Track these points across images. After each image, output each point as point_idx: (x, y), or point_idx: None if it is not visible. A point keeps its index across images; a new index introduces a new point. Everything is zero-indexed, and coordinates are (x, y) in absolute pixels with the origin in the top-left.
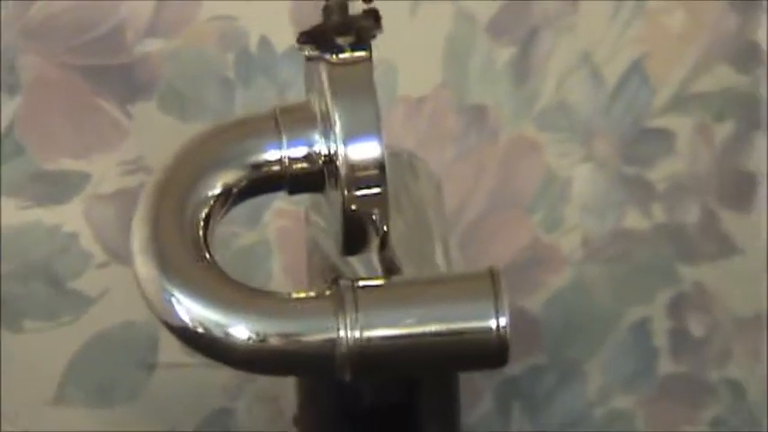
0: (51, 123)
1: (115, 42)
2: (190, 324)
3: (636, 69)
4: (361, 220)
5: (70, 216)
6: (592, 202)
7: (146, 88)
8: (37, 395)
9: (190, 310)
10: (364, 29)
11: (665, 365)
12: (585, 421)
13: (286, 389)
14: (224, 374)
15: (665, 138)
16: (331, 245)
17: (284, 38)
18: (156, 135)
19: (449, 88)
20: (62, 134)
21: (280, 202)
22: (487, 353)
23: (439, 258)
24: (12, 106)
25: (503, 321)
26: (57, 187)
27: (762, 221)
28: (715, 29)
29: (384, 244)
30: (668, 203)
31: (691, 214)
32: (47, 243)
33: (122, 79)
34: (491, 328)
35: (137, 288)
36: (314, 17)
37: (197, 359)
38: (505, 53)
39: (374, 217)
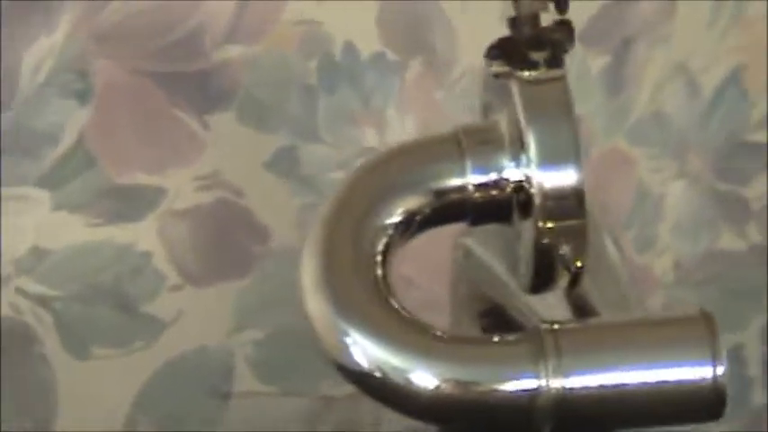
0: (124, 134)
1: (192, 48)
2: (367, 367)
3: (733, 81)
4: (552, 255)
5: (143, 234)
6: (685, 221)
7: (224, 97)
8: (104, 427)
9: (367, 351)
10: (559, 43)
11: (759, 395)
12: None
13: (363, 416)
14: (302, 404)
15: (761, 153)
16: (501, 281)
17: (369, 43)
18: (235, 147)
19: None
20: (135, 146)
21: None
22: (703, 405)
23: (631, 307)
24: (83, 115)
25: (720, 370)
26: (129, 203)
27: None
28: None
29: (576, 282)
30: (764, 223)
31: None
32: (117, 263)
33: (199, 87)
34: (708, 378)
35: (210, 311)
36: (402, 21)
37: (273, 388)
38: (599, 63)
39: (566, 251)
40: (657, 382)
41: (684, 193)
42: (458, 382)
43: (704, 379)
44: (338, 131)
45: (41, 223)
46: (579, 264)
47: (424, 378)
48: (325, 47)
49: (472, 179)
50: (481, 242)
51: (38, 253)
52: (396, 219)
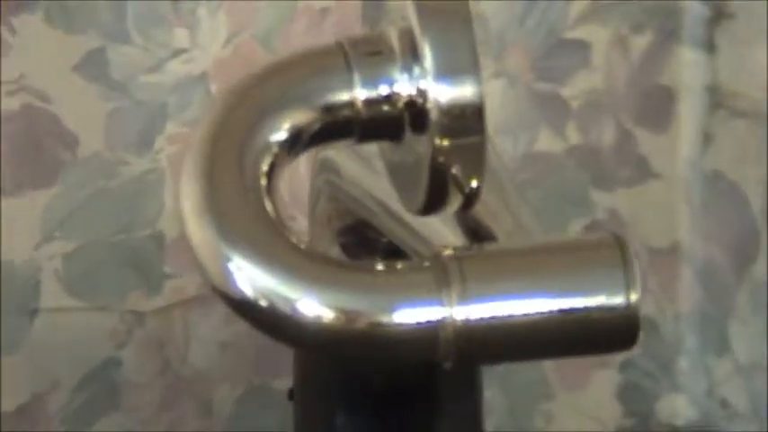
0: None
1: None
2: (252, 295)
3: None
4: (446, 175)
5: None
6: (504, 123)
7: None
8: None
9: (252, 278)
10: None
11: None
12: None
13: (174, 335)
14: (111, 320)
15: (581, 50)
16: (375, 199)
17: None
18: (42, 51)
19: None
20: None
21: (172, 125)
22: (617, 334)
23: (527, 223)
24: None
25: (633, 297)
26: None
27: (679, 143)
28: None
29: (471, 203)
30: (583, 123)
31: (606, 135)
32: None
33: None
34: (621, 305)
35: (17, 224)
36: None
37: (81, 302)
38: None
39: (459, 170)
40: (568, 310)
41: (503, 94)
42: (352, 312)
43: (617, 306)
44: (148, 33)
45: None
46: (475, 183)
47: (311, 306)
48: None
49: (360, 93)
50: (351, 157)
51: None
52: (281, 135)
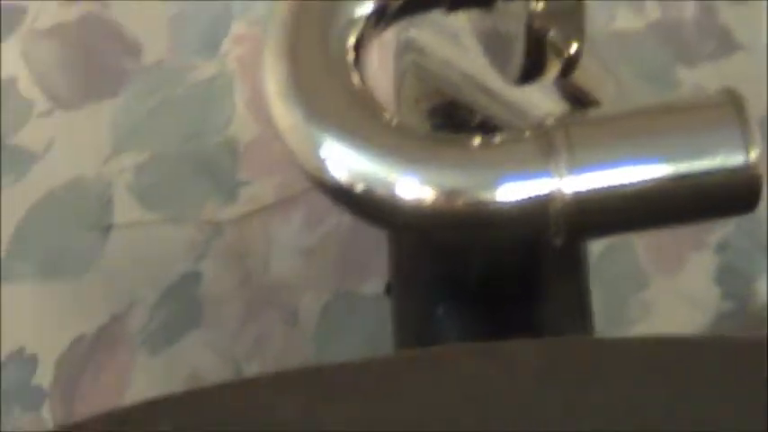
0: None
1: None
2: (348, 181)
3: None
4: (543, 39)
5: (5, 59)
6: None
7: None
8: None
9: (348, 163)
10: None
11: None
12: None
13: (254, 244)
14: (187, 232)
15: None
16: (467, 75)
17: None
18: None
19: None
20: None
21: (238, 26)
22: (738, 195)
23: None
24: None
25: (753, 155)
26: None
27: (762, 12)
28: None
29: (571, 68)
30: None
31: (687, 9)
32: None
33: None
34: (740, 164)
35: (84, 137)
36: None
37: (156, 215)
38: None
39: (558, 35)
40: (685, 173)
41: None
42: (454, 190)
43: (737, 166)
44: None
45: None
46: (574, 48)
47: (414, 188)
48: None
49: None
50: (436, 35)
51: None
52: (367, 8)
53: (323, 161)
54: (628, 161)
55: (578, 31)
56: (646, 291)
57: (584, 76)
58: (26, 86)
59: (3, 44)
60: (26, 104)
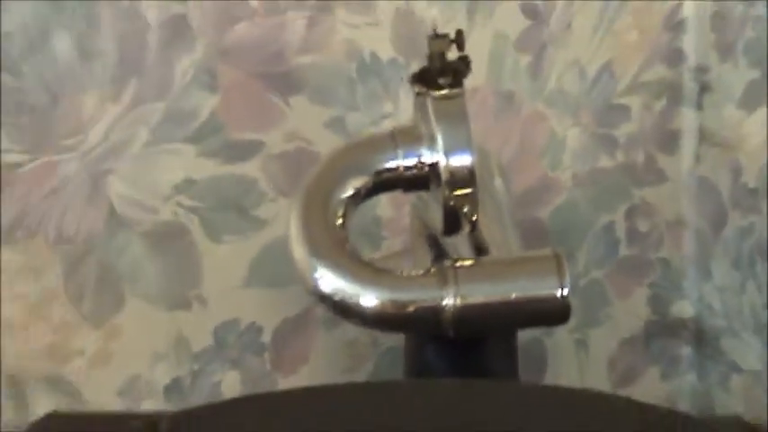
0: (237, 110)
1: (279, 56)
2: (331, 293)
3: (606, 68)
4: (456, 211)
5: (251, 169)
6: (578, 151)
7: (299, 86)
8: (230, 282)
9: (332, 283)
10: (459, 71)
11: (624, 250)
12: (576, 287)
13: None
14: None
15: (624, 110)
16: (432, 226)
17: (387, 53)
18: (307, 116)
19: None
20: (245, 117)
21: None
22: (554, 314)
23: (511, 239)
24: (214, 99)
25: (565, 291)
26: (242, 150)
27: (683, 161)
28: (655, 41)
29: (474, 228)
30: (626, 151)
31: (639, 157)
32: (236, 186)
33: (284, 81)
34: (557, 297)
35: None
36: (407, 41)
37: None
38: (525, 59)
39: (466, 209)
40: (525, 300)
41: (578, 136)
42: (391, 302)
43: (555, 297)
44: (370, 105)
45: (189, 164)
46: (474, 217)
47: (369, 299)
48: (359, 55)
49: (403, 162)
50: (422, 201)
51: (188, 181)
52: (350, 193)
53: (316, 280)
54: (491, 291)
55: (474, 208)
56: (609, 307)
57: (485, 232)
58: (262, 184)
59: (249, 162)
60: (262, 194)
